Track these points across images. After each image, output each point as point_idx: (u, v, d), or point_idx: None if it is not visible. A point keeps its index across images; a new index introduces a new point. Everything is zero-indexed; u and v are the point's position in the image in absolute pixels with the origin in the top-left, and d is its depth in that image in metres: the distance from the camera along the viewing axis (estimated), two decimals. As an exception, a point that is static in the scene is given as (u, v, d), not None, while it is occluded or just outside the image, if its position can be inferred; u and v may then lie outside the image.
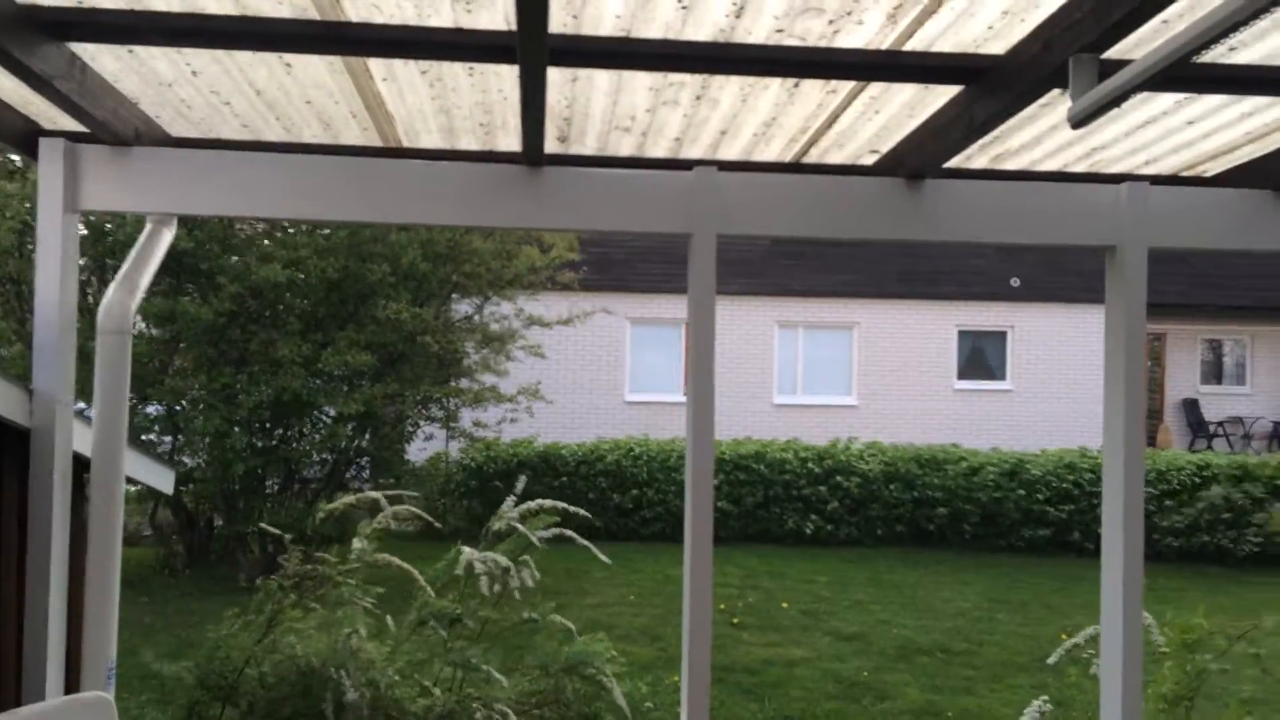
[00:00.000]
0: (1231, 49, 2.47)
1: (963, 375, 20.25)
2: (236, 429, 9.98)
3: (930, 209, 3.17)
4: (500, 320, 12.62)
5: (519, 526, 4.78)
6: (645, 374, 19.40)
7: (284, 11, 2.37)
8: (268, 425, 10.62)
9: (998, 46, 2.46)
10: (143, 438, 10.79)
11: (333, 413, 10.77)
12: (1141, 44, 2.39)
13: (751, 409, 19.03)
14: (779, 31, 2.42)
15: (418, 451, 13.97)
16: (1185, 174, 3.43)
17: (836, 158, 3.35)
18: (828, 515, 14.49)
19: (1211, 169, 3.38)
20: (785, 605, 10.58)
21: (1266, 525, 13.26)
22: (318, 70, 2.74)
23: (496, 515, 4.97)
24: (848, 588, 11.58)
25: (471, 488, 14.22)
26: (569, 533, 4.85)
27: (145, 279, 3.20)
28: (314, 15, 2.39)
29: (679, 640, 9.10)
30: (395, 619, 5.13)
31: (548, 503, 4.93)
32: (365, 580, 5.03)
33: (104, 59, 2.67)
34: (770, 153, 3.34)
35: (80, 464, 3.22)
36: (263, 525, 5.67)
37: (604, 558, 5.16)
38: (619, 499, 14.46)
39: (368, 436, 11.30)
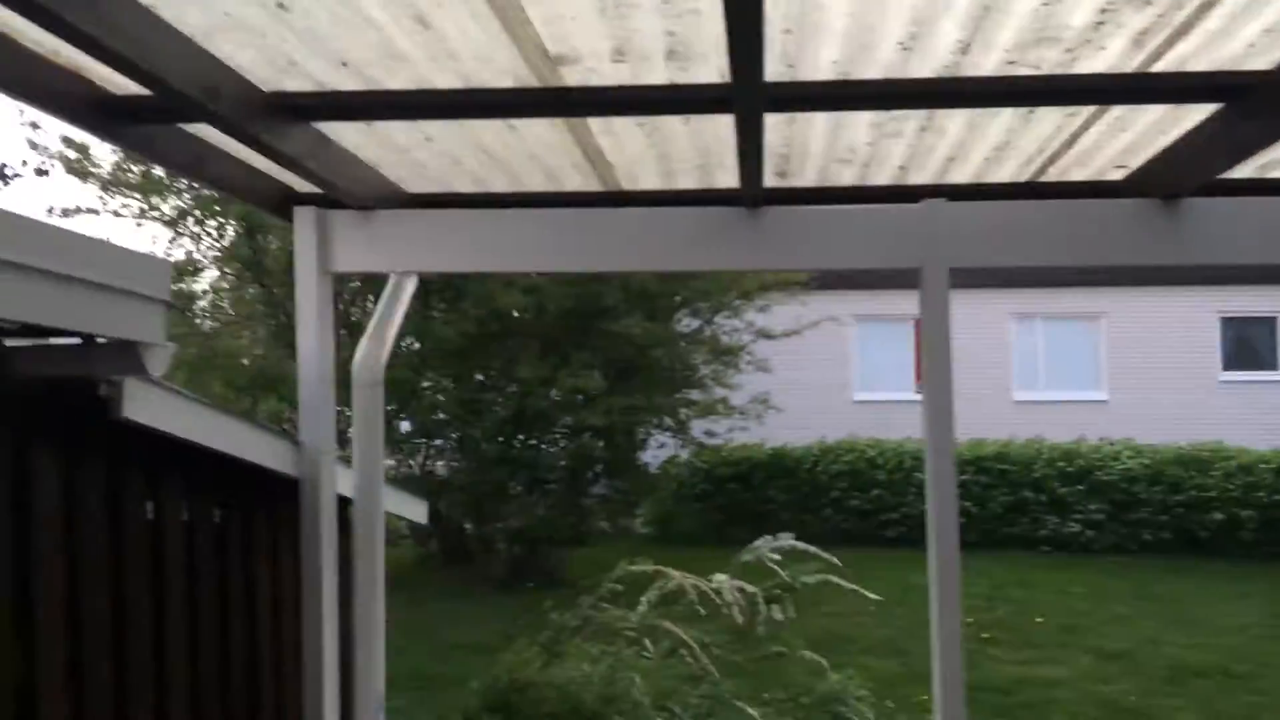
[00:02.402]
0: None
1: (1229, 366, 18.52)
2: (484, 441, 10.58)
3: (1187, 229, 2.89)
4: (730, 333, 12.68)
5: (781, 573, 4.81)
6: (874, 372, 18.91)
7: (506, 82, 2.45)
8: (514, 436, 11.18)
9: (1262, 63, 2.21)
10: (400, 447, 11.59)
11: (569, 424, 11.22)
12: None
13: (990, 406, 18.09)
14: (1010, 64, 2.27)
15: (650, 456, 14.24)
16: None
17: (1079, 175, 3.13)
18: (1085, 520, 13.57)
19: None
20: (1039, 619, 10.03)
21: None
22: (540, 129, 2.82)
23: (748, 549, 5.02)
24: (1108, 600, 10.84)
25: (704, 491, 14.36)
26: (834, 578, 4.84)
27: (392, 332, 3.40)
28: (534, 83, 2.46)
29: (924, 654, 8.76)
30: (655, 639, 5.27)
31: (800, 545, 4.94)
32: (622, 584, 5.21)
33: (346, 133, 2.85)
34: (1004, 174, 3.15)
35: (341, 501, 3.47)
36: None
37: (873, 595, 5.12)
38: (858, 501, 14.18)
39: (602, 445, 11.65)
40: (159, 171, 10.60)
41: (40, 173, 11.79)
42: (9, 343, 2.03)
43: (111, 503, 2.40)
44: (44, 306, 1.79)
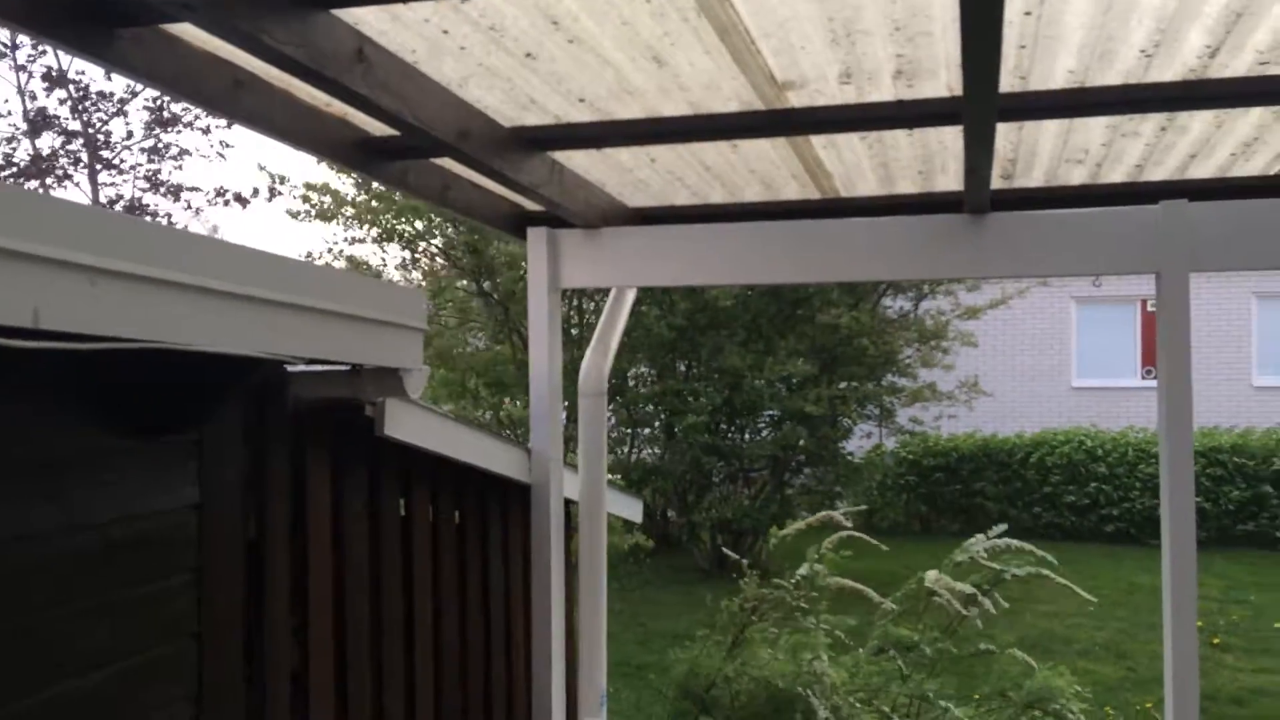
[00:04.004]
0: None
1: None
2: (691, 430, 10.75)
3: None
4: (936, 316, 12.32)
5: (991, 565, 4.70)
6: (1094, 357, 17.91)
7: (732, 107, 2.51)
8: (720, 425, 11.30)
9: None
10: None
11: (775, 412, 11.23)
12: None
13: (1226, 392, 16.78)
14: (1263, 64, 2.15)
15: (855, 445, 14.05)
16: None
17: (1340, 166, 2.90)
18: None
19: None
20: (1278, 625, 9.31)
21: None
22: (762, 147, 2.87)
23: (961, 548, 4.92)
24: (1359, 607, 9.94)
25: (909, 482, 14.05)
26: (1047, 572, 4.69)
27: (614, 342, 3.54)
28: (760, 106, 2.50)
29: (1148, 658, 8.34)
30: (850, 636, 5.26)
31: (1015, 543, 4.80)
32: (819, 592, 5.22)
33: (577, 158, 2.99)
34: (1252, 168, 2.97)
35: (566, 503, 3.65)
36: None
37: (1087, 596, 4.94)
38: (1074, 495, 13.52)
39: (807, 434, 11.58)
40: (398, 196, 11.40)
41: (274, 194, 13.13)
42: (290, 369, 2.26)
43: (372, 508, 2.63)
44: (321, 343, 1.99)
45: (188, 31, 2.03)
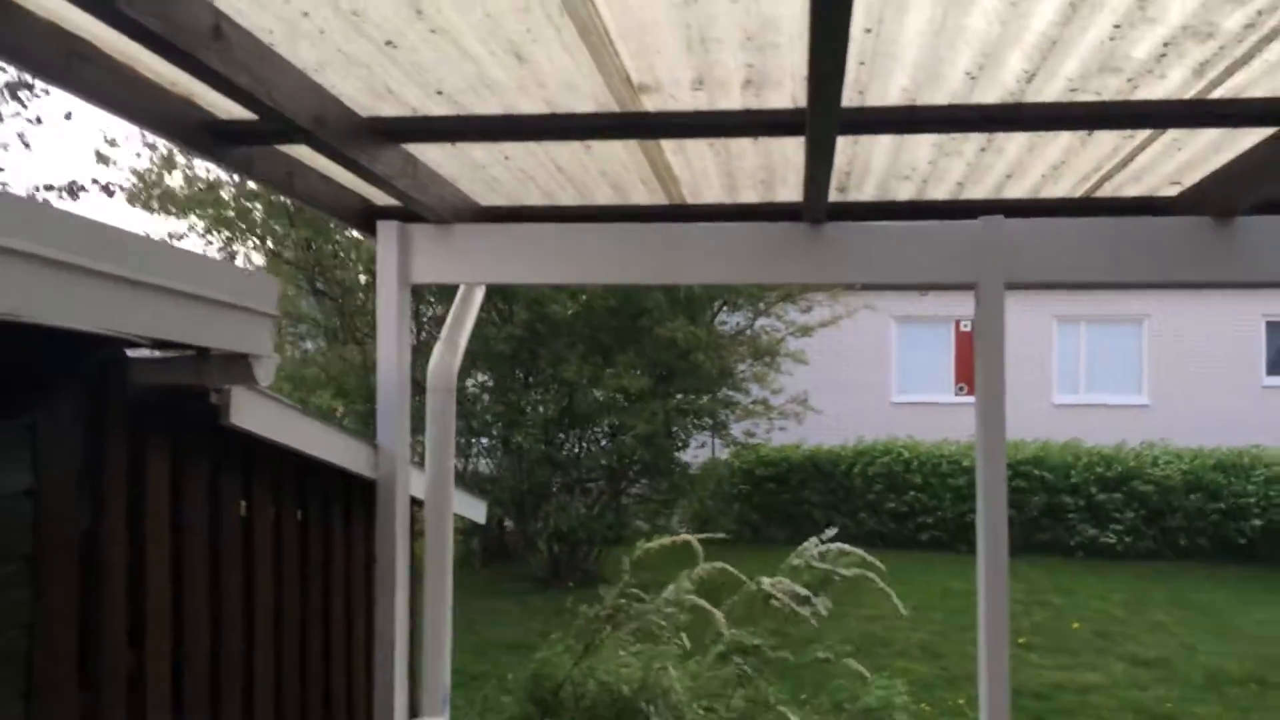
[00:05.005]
0: None
1: (1273, 370, 18.35)
2: (529, 440, 10.73)
3: (1239, 247, 2.97)
4: (769, 332, 12.75)
5: (823, 566, 4.92)
6: (912, 374, 18.91)
7: (589, 107, 2.57)
8: (557, 437, 11.32)
9: (1322, 91, 2.29)
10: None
11: (613, 423, 11.36)
12: None
13: (1029, 409, 18.01)
14: (1072, 91, 2.37)
15: (690, 456, 14.34)
16: None
17: (1133, 190, 3.21)
18: (1122, 526, 13.53)
19: None
20: (1076, 625, 10.05)
21: None
22: (614, 149, 2.94)
23: (796, 552, 5.14)
24: (1145, 607, 10.83)
25: (742, 492, 14.45)
26: (872, 575, 4.94)
27: (463, 340, 3.54)
28: (615, 108, 2.58)
29: (960, 658, 8.85)
30: (696, 638, 5.38)
31: (847, 548, 5.05)
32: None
33: (429, 151, 2.99)
34: (1059, 190, 3.24)
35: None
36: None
37: (902, 608, 5.22)
38: (894, 503, 14.21)
39: (642, 446, 11.76)
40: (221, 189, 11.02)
41: (107, 192, 12.35)
42: (130, 354, 2.18)
43: (212, 501, 2.55)
44: (168, 323, 1.93)
45: (33, 1, 1.95)
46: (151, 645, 2.32)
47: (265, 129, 2.54)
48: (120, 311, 1.72)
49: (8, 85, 13.07)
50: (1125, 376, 18.74)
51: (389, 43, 2.14)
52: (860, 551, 5.51)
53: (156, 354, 2.22)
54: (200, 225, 11.50)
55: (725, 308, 12.24)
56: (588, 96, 2.49)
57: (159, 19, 1.74)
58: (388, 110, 2.56)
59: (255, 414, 2.43)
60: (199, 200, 10.73)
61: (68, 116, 16.69)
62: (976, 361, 3.11)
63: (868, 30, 2.08)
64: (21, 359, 1.73)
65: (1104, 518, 13.54)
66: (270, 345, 2.25)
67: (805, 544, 5.39)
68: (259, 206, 10.82)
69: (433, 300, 10.94)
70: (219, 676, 2.60)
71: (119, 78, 2.27)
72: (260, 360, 2.22)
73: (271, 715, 2.81)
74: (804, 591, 4.80)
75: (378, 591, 3.17)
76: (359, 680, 3.25)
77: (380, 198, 3.37)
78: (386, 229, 3.26)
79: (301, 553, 2.99)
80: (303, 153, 2.89)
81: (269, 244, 11.36)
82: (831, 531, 5.59)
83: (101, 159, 12.78)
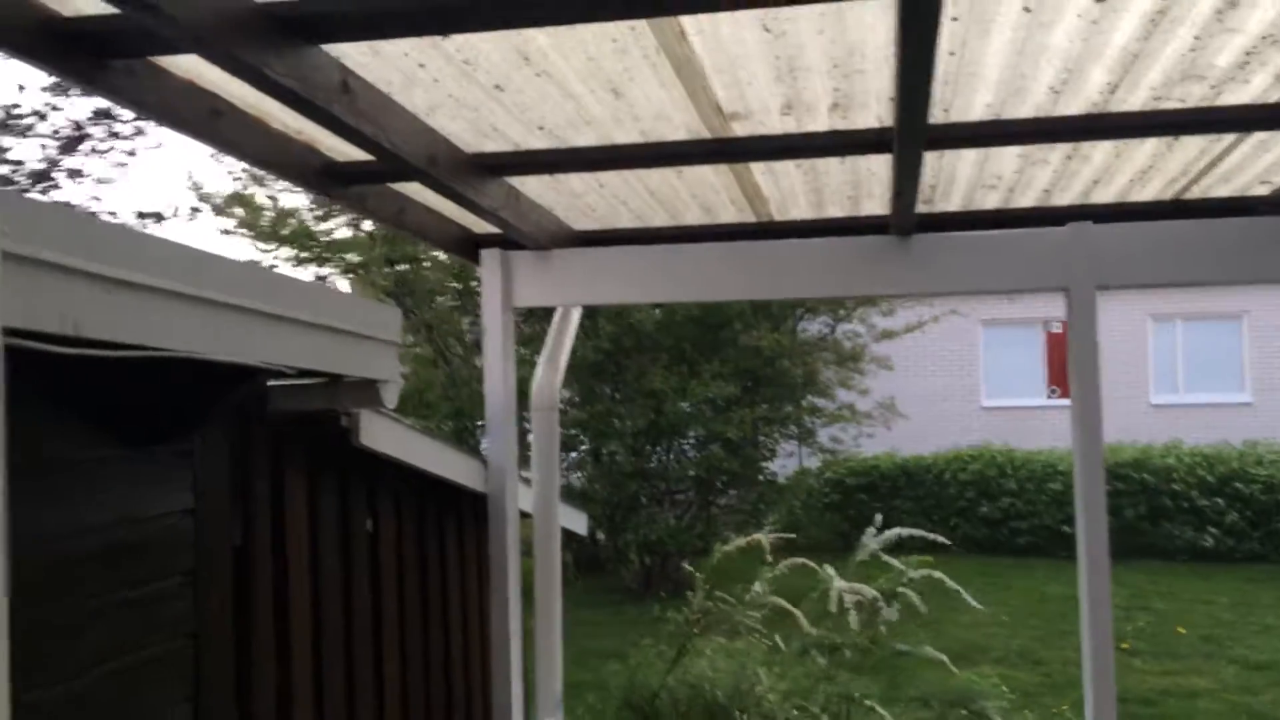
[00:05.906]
0: None
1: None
2: (619, 452, 10.92)
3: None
4: (853, 337, 12.74)
5: (893, 561, 4.93)
6: (1002, 378, 18.61)
7: (681, 135, 2.71)
8: (645, 448, 11.49)
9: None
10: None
11: (700, 434, 11.48)
12: None
13: (1125, 410, 17.61)
14: (1156, 100, 2.42)
15: (779, 466, 14.36)
16: None
17: (1223, 191, 3.22)
18: (1225, 528, 13.13)
19: None
20: (1181, 630, 9.81)
21: None
22: (703, 172, 3.07)
23: (860, 546, 5.16)
24: (1253, 610, 10.51)
25: (833, 501, 14.41)
26: (939, 574, 4.94)
27: (563, 359, 3.70)
28: (706, 135, 2.70)
29: (1062, 664, 8.72)
30: (782, 639, 5.46)
31: (906, 531, 5.05)
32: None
33: (530, 183, 3.16)
34: (1147, 194, 3.27)
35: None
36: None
37: (973, 602, 5.19)
38: (987, 509, 14.03)
39: (731, 455, 11.84)
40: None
41: (194, 211, 13.09)
42: (270, 383, 2.38)
43: (343, 517, 2.74)
44: (311, 353, 2.11)
45: (174, 63, 2.15)
46: (296, 650, 2.50)
47: (381, 169, 2.72)
48: (273, 344, 1.90)
49: (96, 112, 13.75)
50: (1225, 374, 18.18)
51: (497, 86, 2.30)
52: (916, 531, 5.45)
53: (293, 382, 2.41)
54: (290, 253, 12.03)
55: (807, 315, 12.27)
56: (680, 126, 2.62)
57: (298, 80, 1.92)
58: (491, 146, 2.73)
59: (382, 435, 2.61)
60: (304, 232, 11.23)
61: (157, 146, 17.55)
62: (1070, 367, 3.15)
63: (951, 53, 2.17)
64: (182, 389, 1.92)
65: (1207, 520, 13.16)
66: (396, 370, 2.43)
67: (864, 535, 5.40)
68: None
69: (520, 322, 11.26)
70: (354, 686, 2.78)
71: (252, 130, 2.47)
72: (387, 385, 2.40)
73: None
74: (871, 592, 4.84)
75: (492, 600, 3.33)
76: (476, 685, 3.41)
77: (480, 225, 3.55)
78: (490, 257, 3.43)
79: (421, 564, 3.17)
80: (412, 189, 3.08)
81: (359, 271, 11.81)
82: (879, 520, 5.60)
83: (196, 188, 13.60)
